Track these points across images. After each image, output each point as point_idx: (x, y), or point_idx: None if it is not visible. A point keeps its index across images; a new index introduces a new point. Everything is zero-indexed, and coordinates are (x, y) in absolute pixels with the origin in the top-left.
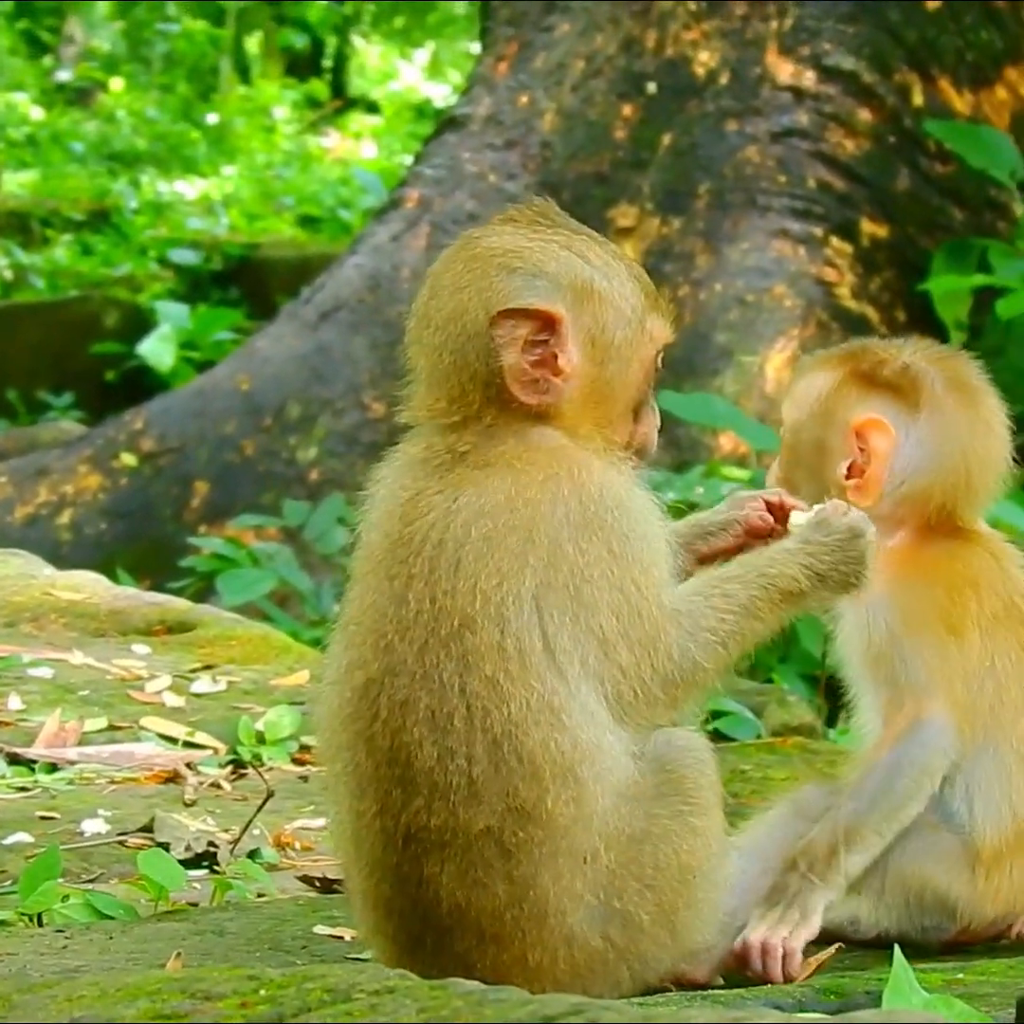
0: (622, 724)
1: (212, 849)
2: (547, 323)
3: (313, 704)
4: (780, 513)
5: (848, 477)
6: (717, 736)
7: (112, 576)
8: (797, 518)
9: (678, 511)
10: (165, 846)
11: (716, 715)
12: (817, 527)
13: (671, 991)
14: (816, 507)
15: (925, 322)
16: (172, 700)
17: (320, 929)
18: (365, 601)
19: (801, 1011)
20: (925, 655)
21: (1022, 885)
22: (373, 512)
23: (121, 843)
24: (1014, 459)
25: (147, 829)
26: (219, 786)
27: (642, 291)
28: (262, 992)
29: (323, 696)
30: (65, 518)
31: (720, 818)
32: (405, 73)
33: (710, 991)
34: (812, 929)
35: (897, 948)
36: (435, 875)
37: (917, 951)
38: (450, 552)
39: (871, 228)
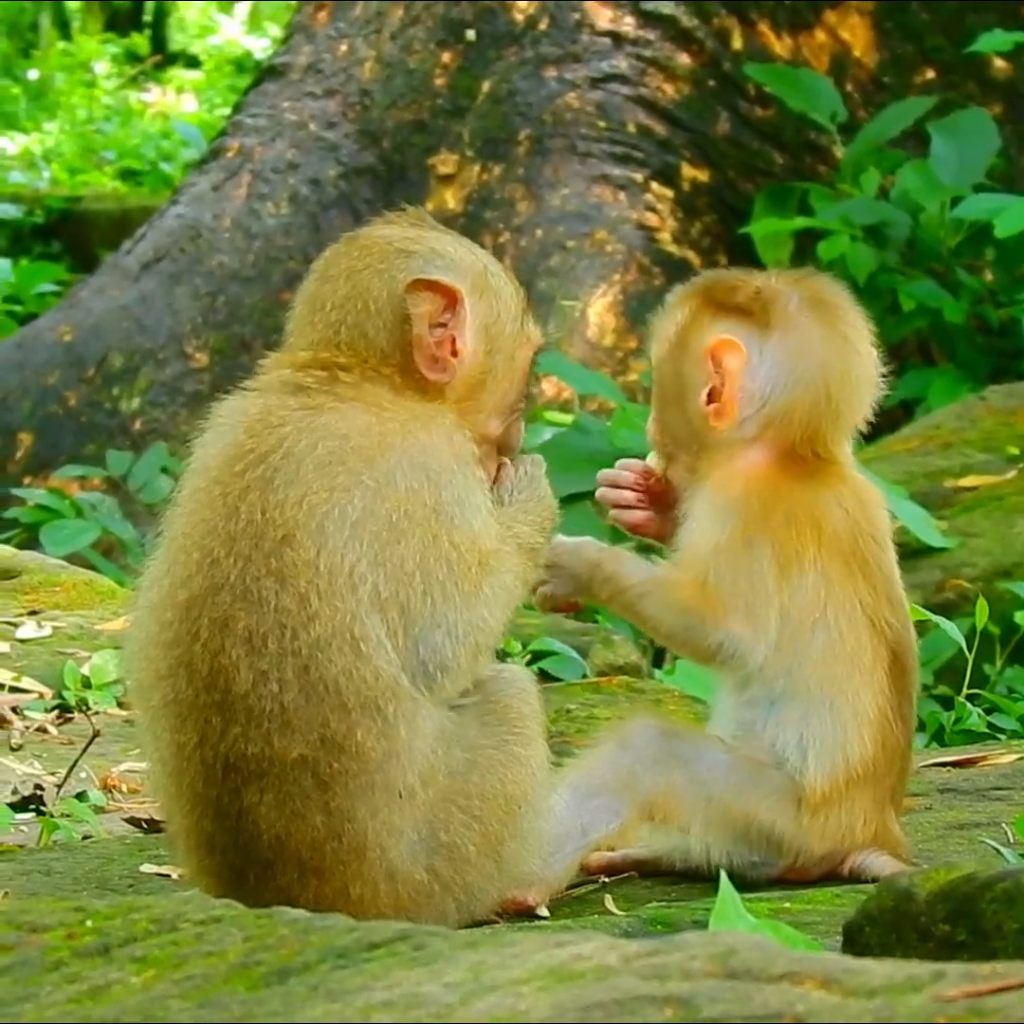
0: (410, 655)
1: (38, 791)
2: (450, 302)
3: (126, 636)
4: None
5: (708, 402)
6: (543, 676)
7: None
8: None
9: None
10: None
11: (541, 655)
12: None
13: (497, 922)
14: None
15: (747, 265)
16: None
17: (147, 868)
18: (194, 517)
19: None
20: (746, 577)
21: (850, 824)
22: (211, 432)
23: None
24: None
25: None
26: (45, 730)
27: (519, 293)
28: (88, 923)
29: (138, 623)
30: None
31: (544, 748)
32: (225, 27)
33: (537, 921)
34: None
35: (724, 875)
36: (254, 806)
37: (748, 885)
38: (292, 464)
39: (691, 173)
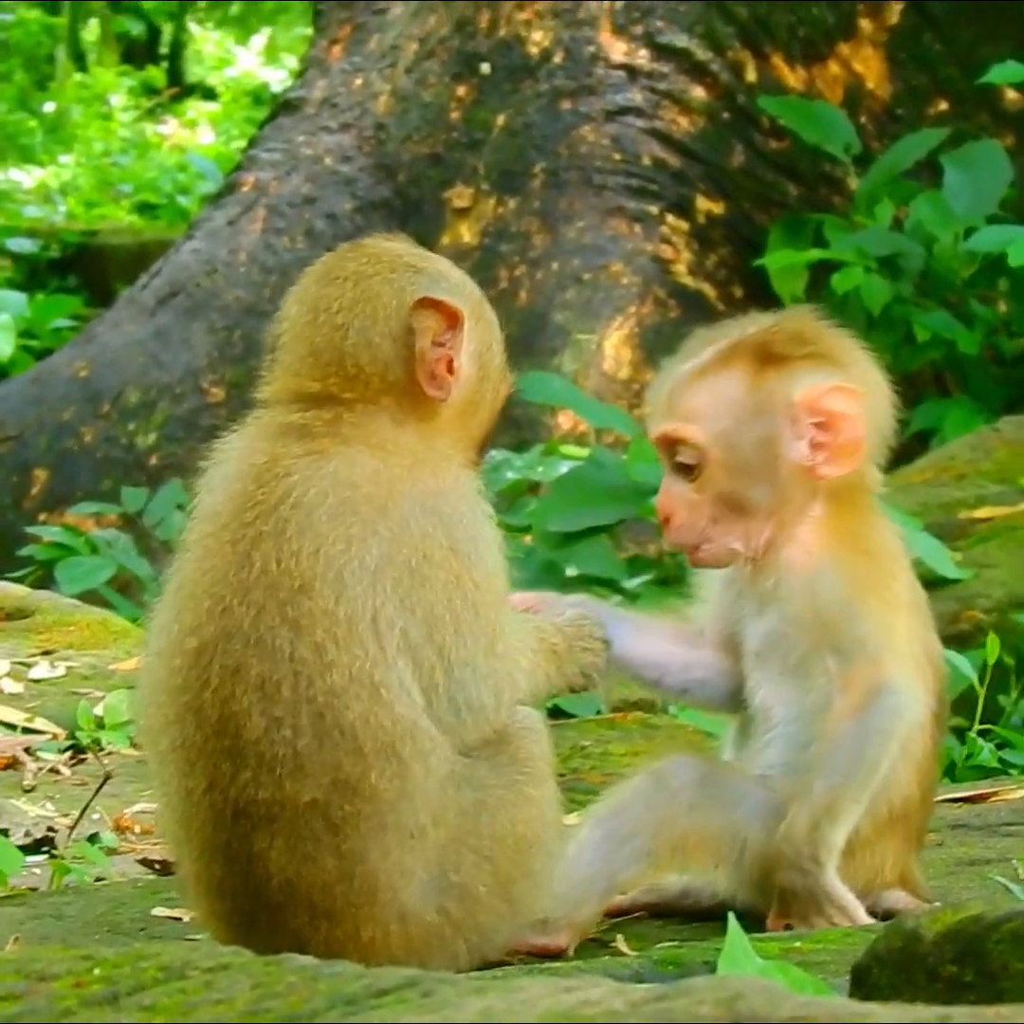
0: (437, 701)
1: (51, 834)
2: (452, 322)
3: (137, 679)
4: None
5: (813, 452)
6: (556, 712)
7: None
8: None
9: (519, 489)
10: (4, 832)
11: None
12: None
13: (510, 963)
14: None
15: (762, 297)
16: (10, 686)
17: (159, 911)
18: (204, 564)
19: (639, 982)
20: (873, 622)
21: (880, 865)
22: (216, 476)
23: None
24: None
25: None
26: (58, 771)
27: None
28: (96, 971)
29: (147, 668)
30: None
31: (554, 788)
32: (242, 59)
33: (548, 963)
34: (854, 906)
35: (732, 916)
36: (264, 851)
37: (764, 922)
38: (303, 514)
39: (706, 205)
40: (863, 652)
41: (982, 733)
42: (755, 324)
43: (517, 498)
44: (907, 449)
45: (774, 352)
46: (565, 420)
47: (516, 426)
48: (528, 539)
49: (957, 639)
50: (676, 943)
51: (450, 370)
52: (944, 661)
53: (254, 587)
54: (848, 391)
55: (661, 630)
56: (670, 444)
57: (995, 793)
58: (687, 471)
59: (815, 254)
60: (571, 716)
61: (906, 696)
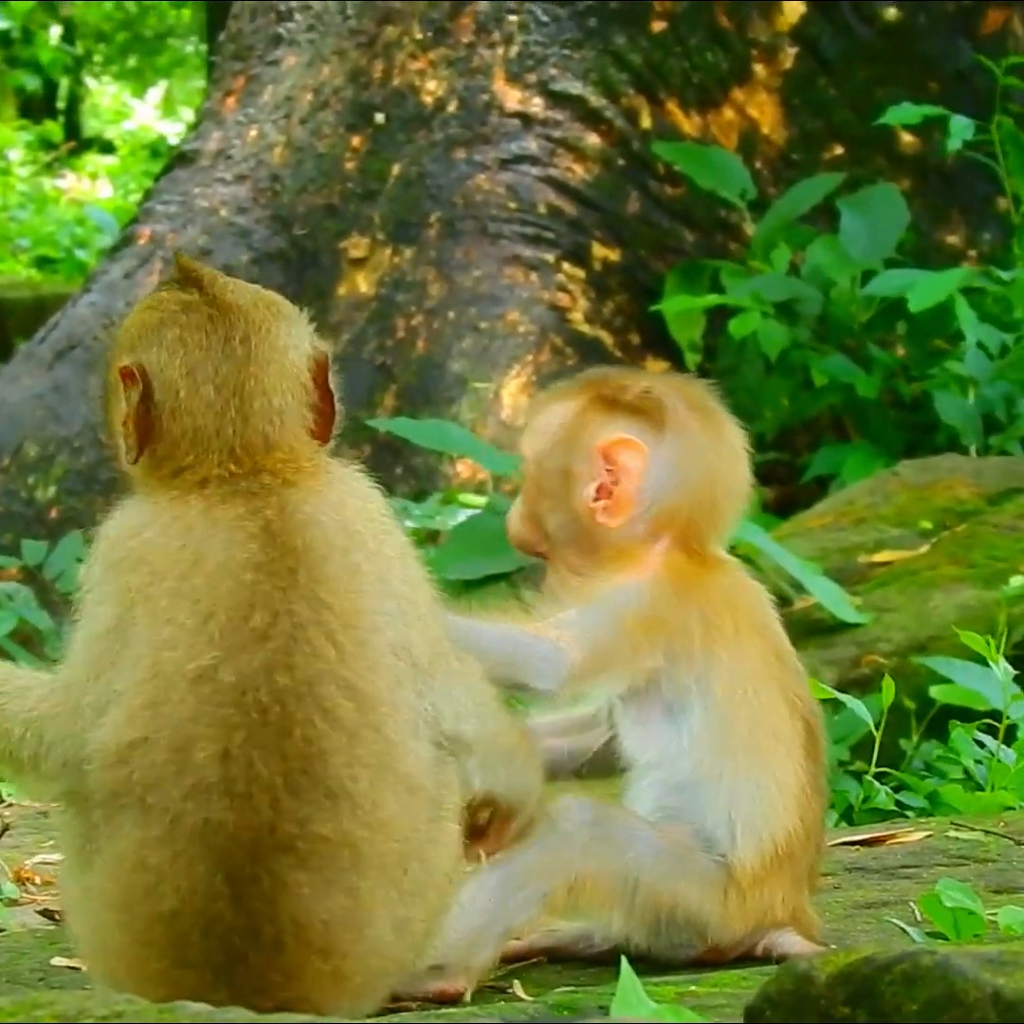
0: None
1: None
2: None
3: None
4: None
5: (596, 499)
6: None
7: None
8: None
9: (418, 538)
10: None
11: None
12: None
13: (409, 1009)
14: None
15: (659, 344)
16: None
17: (57, 961)
18: (269, 608)
19: None
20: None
21: (771, 903)
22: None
23: None
24: (752, 481)
25: None
26: None
27: None
28: None
29: (166, 708)
30: None
31: (459, 823)
32: (139, 112)
33: (445, 1009)
34: None
35: (624, 960)
36: (290, 887)
37: (661, 967)
38: (337, 554)
39: (603, 252)
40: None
41: (879, 776)
42: (636, 374)
43: (416, 547)
44: (806, 493)
45: (607, 394)
46: (463, 469)
47: (415, 476)
48: None
49: (858, 683)
50: (572, 988)
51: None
52: (812, 698)
53: (335, 629)
54: (635, 447)
55: (551, 726)
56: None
57: (892, 836)
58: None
59: (712, 300)
60: None
61: None
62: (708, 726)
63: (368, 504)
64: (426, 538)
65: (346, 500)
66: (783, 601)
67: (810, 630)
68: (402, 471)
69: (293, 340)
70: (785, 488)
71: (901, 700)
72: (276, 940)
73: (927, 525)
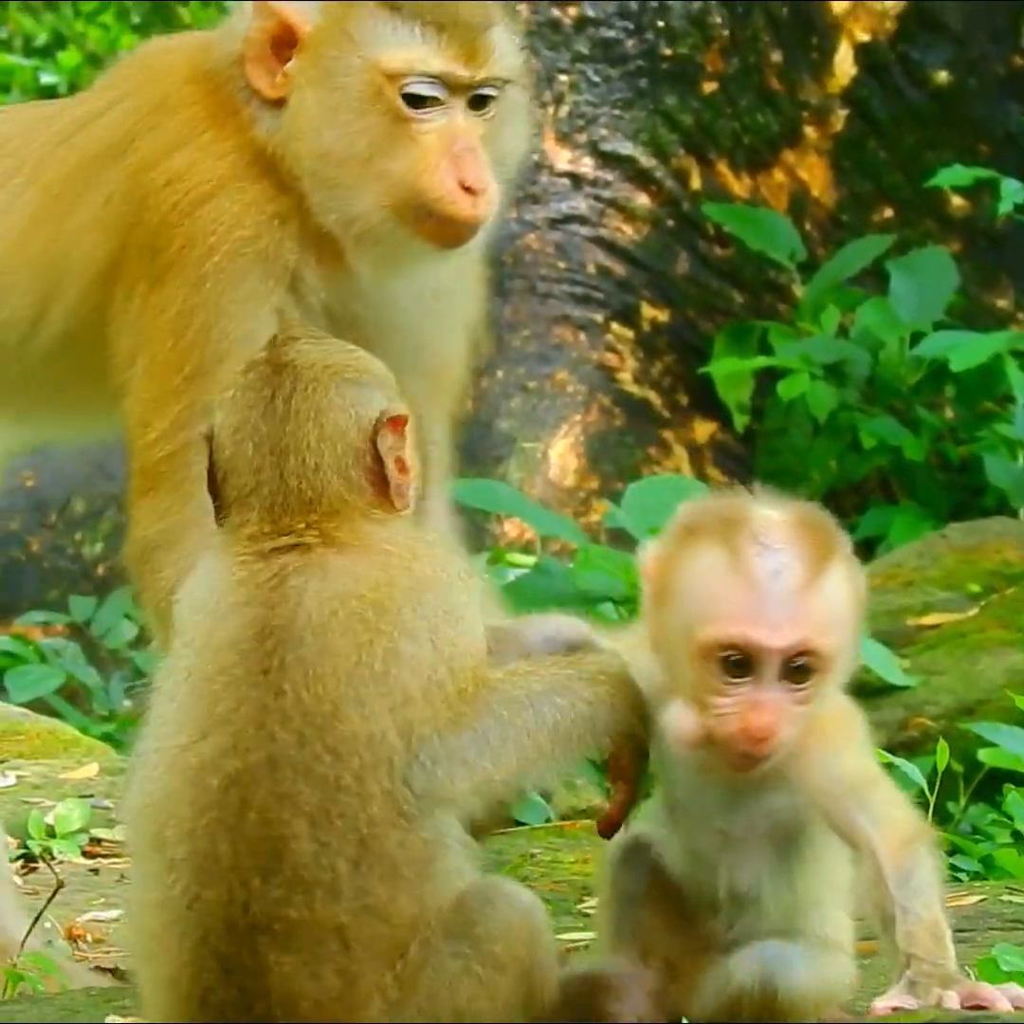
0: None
1: None
2: (400, 428)
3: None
4: None
5: None
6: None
7: None
8: None
9: None
10: None
11: None
12: None
13: None
14: None
15: (708, 405)
16: None
17: (112, 1019)
18: (237, 692)
19: None
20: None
21: None
22: (212, 603)
23: None
24: None
25: None
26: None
27: None
28: None
29: (157, 780)
30: None
31: None
32: None
33: None
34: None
35: None
36: (273, 967)
37: None
38: (320, 636)
39: (651, 312)
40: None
41: None
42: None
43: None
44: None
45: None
46: (511, 528)
47: (462, 535)
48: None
49: (905, 746)
50: None
51: (403, 471)
52: None
53: (293, 715)
54: None
55: None
56: (798, 654)
57: (946, 899)
58: (803, 676)
59: (760, 361)
60: (521, 823)
61: None
62: None
63: (393, 572)
64: None
65: (364, 569)
66: None
67: (858, 692)
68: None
69: (346, 401)
70: None
71: (949, 763)
72: (268, 1014)
73: (975, 588)
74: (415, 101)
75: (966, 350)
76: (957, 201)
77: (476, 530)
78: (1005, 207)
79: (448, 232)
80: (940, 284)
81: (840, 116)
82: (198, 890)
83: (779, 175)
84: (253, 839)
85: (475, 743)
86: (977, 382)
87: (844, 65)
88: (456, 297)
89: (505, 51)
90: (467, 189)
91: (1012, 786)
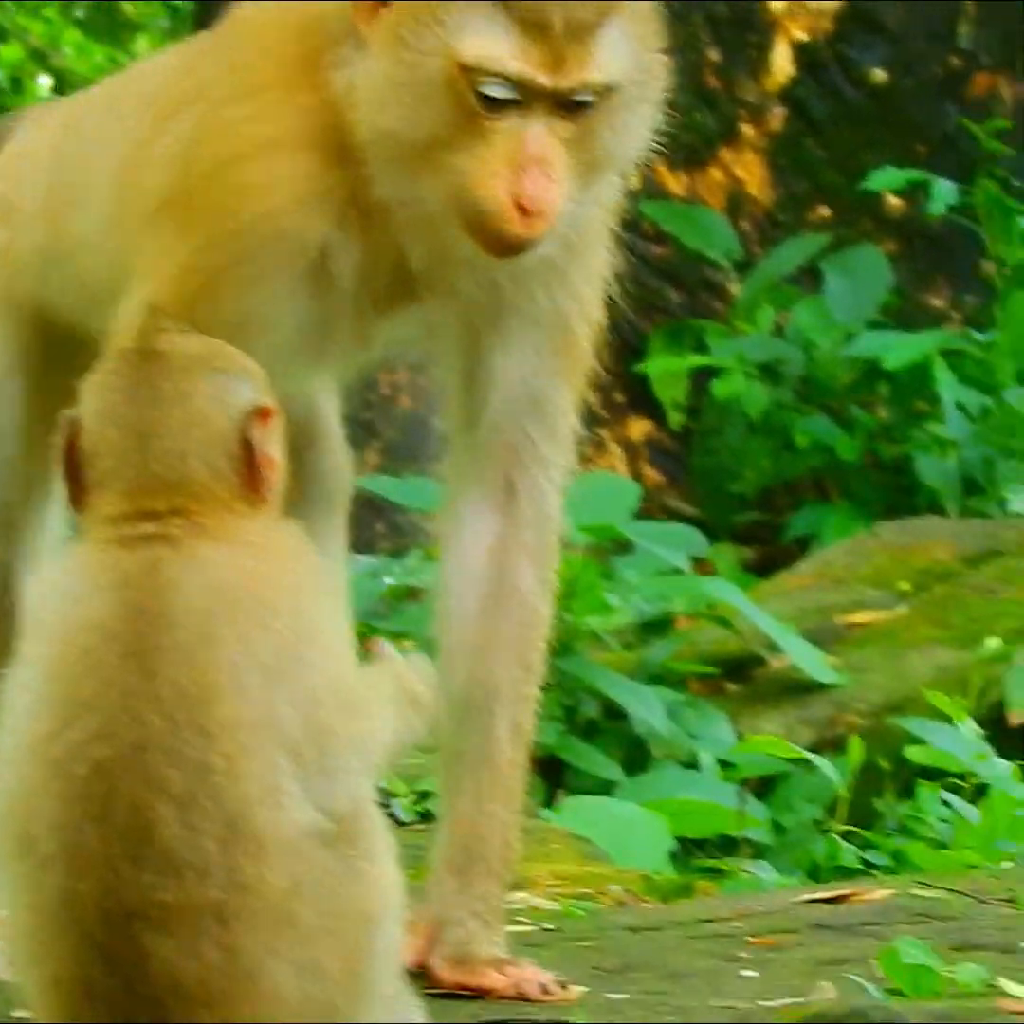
0: (310, 787)
1: None
2: (267, 419)
3: None
4: None
5: None
6: (429, 817)
7: None
8: None
9: (398, 594)
10: None
11: (427, 795)
12: None
13: None
14: None
15: (643, 404)
16: None
17: (19, 1014)
18: (101, 675)
19: None
20: None
21: None
22: (74, 589)
23: None
24: None
25: None
26: None
27: None
28: None
29: (15, 777)
30: None
31: (393, 867)
32: None
33: None
34: None
35: (576, 1013)
36: (153, 950)
37: None
38: (200, 621)
39: None
40: None
41: (847, 835)
42: None
43: (396, 603)
44: (787, 554)
45: None
46: None
47: (398, 532)
48: (408, 645)
49: (833, 743)
50: None
51: (270, 464)
52: None
53: (165, 698)
54: None
55: None
56: None
57: (856, 893)
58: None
59: (696, 360)
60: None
61: None
62: None
63: (271, 567)
64: (406, 595)
65: (242, 562)
66: (759, 661)
67: (786, 690)
68: (384, 528)
69: (215, 389)
70: (766, 548)
71: (877, 760)
72: (156, 1000)
73: (905, 586)
74: (489, 100)
75: (900, 349)
76: (893, 201)
77: (411, 528)
78: (938, 208)
79: (495, 246)
80: (874, 283)
81: (777, 115)
82: (72, 883)
83: (716, 173)
84: (122, 827)
85: (365, 739)
86: (910, 381)
87: (782, 64)
88: (577, 250)
89: (613, 55)
90: (522, 207)
91: (924, 782)
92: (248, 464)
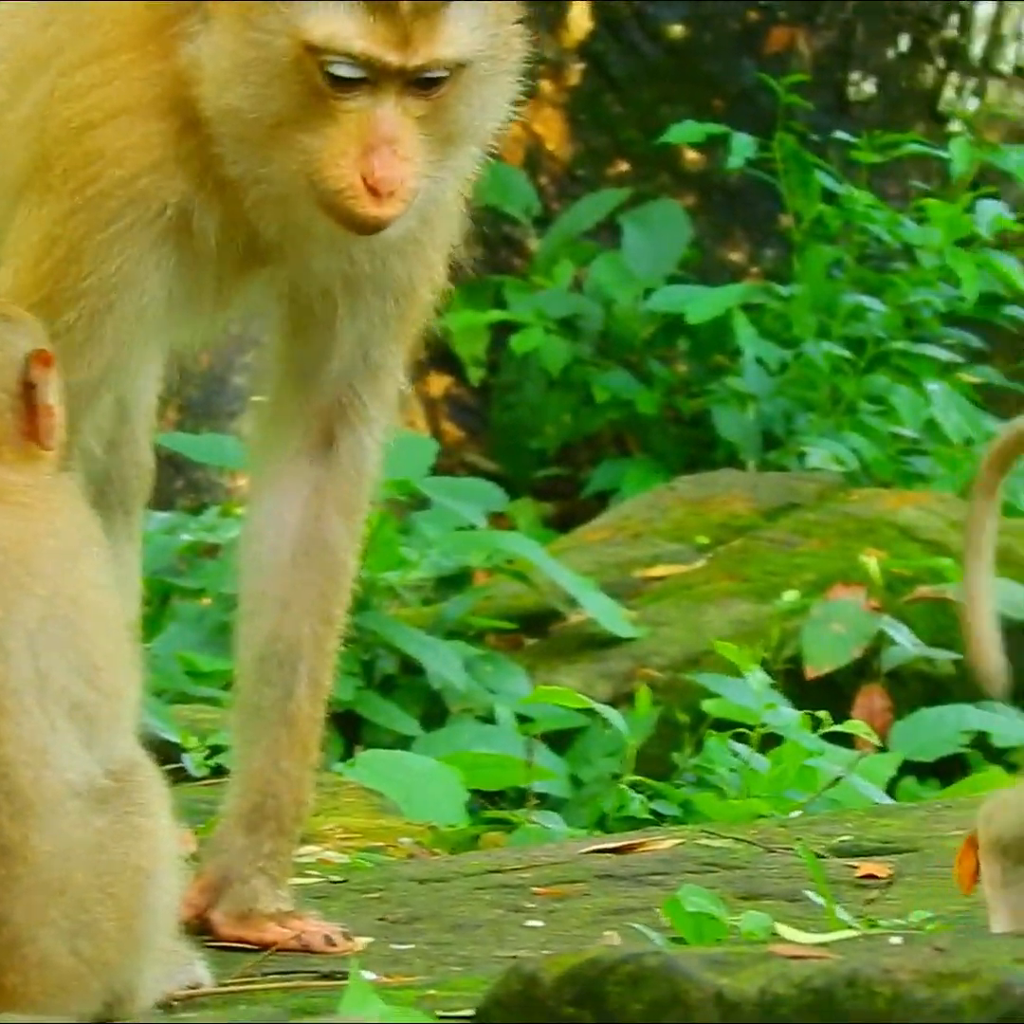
0: (94, 748)
1: None
2: (48, 366)
3: None
4: None
5: None
6: (222, 771)
7: None
8: None
9: (195, 550)
10: None
11: (219, 749)
12: None
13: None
14: None
15: (443, 360)
16: None
17: None
18: None
19: None
20: None
21: None
22: None
23: None
24: None
25: None
26: None
27: None
28: None
29: None
30: None
31: (168, 823)
32: None
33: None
34: None
35: (354, 964)
36: None
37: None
38: None
39: None
40: None
41: (637, 786)
42: None
43: (193, 560)
44: (587, 509)
45: None
46: (244, 483)
47: (195, 489)
48: (205, 601)
49: (631, 698)
50: (312, 993)
51: (50, 412)
52: None
53: None
54: None
55: None
56: None
57: (643, 843)
58: None
59: (495, 315)
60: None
61: None
62: None
63: (39, 529)
64: (204, 551)
65: (8, 522)
66: (557, 616)
67: (584, 644)
68: (183, 485)
69: None
70: (566, 503)
71: (675, 714)
72: None
73: (703, 540)
74: (337, 80)
75: (701, 304)
76: (691, 155)
77: (209, 484)
78: (736, 161)
79: (350, 225)
80: (673, 238)
81: (575, 70)
82: None
83: (515, 129)
84: None
85: (134, 701)
86: (710, 336)
87: (580, 19)
88: (433, 222)
89: (463, 31)
90: (372, 188)
91: (713, 732)
92: (28, 407)
